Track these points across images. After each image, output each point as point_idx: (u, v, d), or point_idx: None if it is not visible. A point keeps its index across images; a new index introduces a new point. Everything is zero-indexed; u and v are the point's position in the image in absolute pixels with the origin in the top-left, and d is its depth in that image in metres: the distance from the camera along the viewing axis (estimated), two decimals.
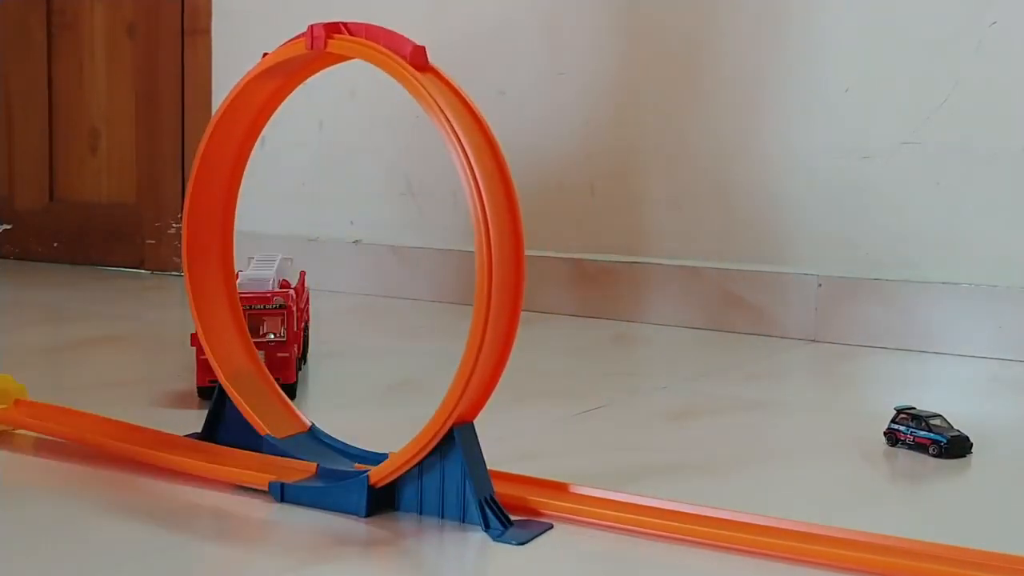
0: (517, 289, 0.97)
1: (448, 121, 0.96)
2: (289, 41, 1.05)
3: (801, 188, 1.96)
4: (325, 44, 1.01)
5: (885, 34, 1.88)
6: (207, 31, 2.57)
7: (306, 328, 1.64)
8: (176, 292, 2.46)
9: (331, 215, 2.43)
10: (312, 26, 1.02)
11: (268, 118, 1.13)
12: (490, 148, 0.98)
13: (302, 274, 1.66)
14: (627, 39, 2.10)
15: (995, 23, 1.79)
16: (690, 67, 2.04)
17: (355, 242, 2.40)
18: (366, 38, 1.00)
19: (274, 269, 1.52)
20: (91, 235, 2.75)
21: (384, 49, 0.99)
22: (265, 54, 1.07)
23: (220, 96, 2.55)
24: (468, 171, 0.95)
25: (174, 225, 2.65)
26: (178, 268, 2.65)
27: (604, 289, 2.12)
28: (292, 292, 1.48)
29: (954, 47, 1.82)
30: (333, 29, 1.01)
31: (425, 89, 0.97)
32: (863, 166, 1.90)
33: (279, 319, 1.42)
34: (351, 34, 1.01)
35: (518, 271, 0.97)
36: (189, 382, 1.47)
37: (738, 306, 2.00)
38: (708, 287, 2.03)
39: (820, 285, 1.94)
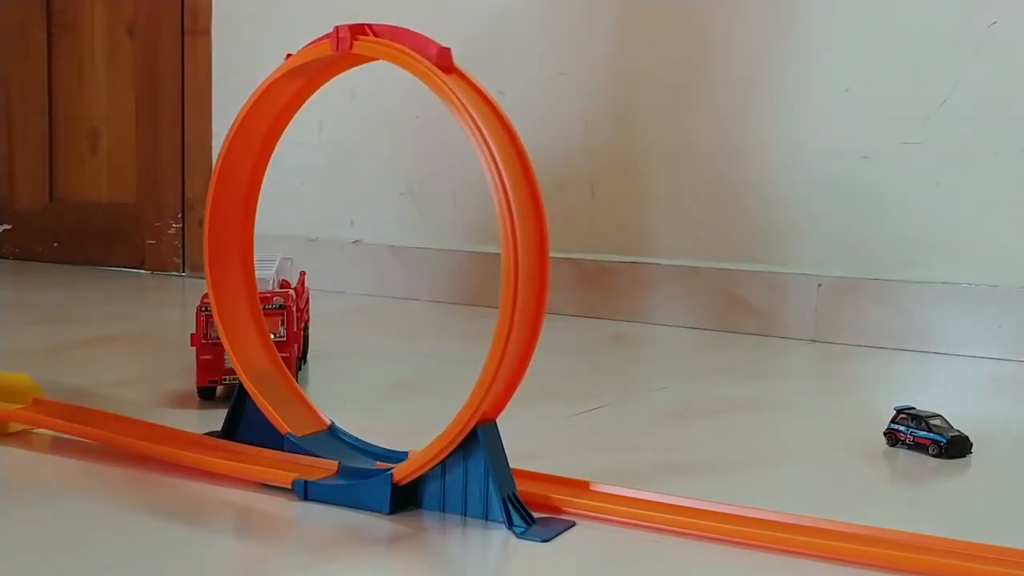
0: (541, 289, 0.98)
1: (474, 122, 0.96)
2: (313, 42, 1.05)
3: (801, 188, 1.96)
4: (351, 45, 1.01)
5: (885, 34, 1.88)
6: (207, 31, 2.57)
7: (306, 328, 1.64)
8: (176, 292, 2.46)
9: (331, 215, 2.43)
10: (338, 27, 1.02)
11: (289, 119, 1.14)
12: (515, 148, 0.99)
13: (302, 274, 1.66)
14: (627, 39, 2.10)
15: (995, 23, 1.79)
16: (690, 67, 2.04)
17: (355, 242, 2.40)
18: (391, 39, 1.01)
19: (274, 269, 1.52)
20: (91, 235, 2.75)
21: (410, 51, 0.99)
22: (288, 55, 1.07)
23: (220, 96, 2.56)
24: (494, 171, 0.95)
25: (174, 225, 2.65)
26: (178, 268, 2.66)
27: (604, 289, 2.12)
28: (292, 292, 1.48)
29: (954, 47, 1.82)
30: (358, 31, 1.02)
31: (451, 90, 0.97)
32: (863, 166, 1.90)
33: (279, 319, 1.42)
34: (376, 36, 1.01)
35: (543, 270, 0.98)
36: (189, 382, 1.47)
37: (738, 306, 2.00)
38: (708, 287, 2.03)
39: (820, 285, 1.94)
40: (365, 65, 1.08)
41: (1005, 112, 1.80)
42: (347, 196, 2.41)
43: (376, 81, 2.23)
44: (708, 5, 2.02)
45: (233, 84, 2.53)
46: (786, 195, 1.97)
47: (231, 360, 1.15)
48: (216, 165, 1.14)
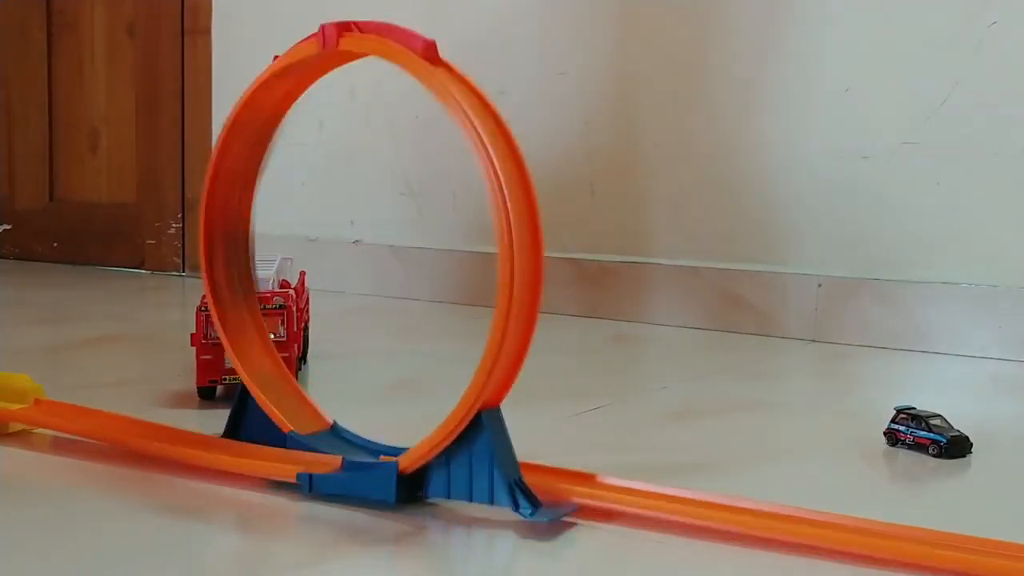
0: (536, 273, 0.98)
1: (465, 113, 0.97)
2: (300, 42, 1.06)
3: (801, 188, 1.96)
4: (337, 43, 1.02)
5: (885, 34, 1.88)
6: (207, 31, 2.57)
7: (306, 328, 1.63)
8: (176, 292, 2.46)
9: (331, 215, 2.43)
10: (323, 26, 1.02)
11: (280, 121, 1.14)
12: (505, 138, 0.99)
13: (302, 274, 1.66)
14: (627, 39, 2.10)
15: (995, 23, 1.79)
16: (690, 67, 2.04)
17: (355, 242, 2.40)
18: (377, 35, 1.01)
19: (274, 269, 1.52)
20: (91, 235, 2.75)
21: (397, 45, 1.00)
22: (276, 56, 1.07)
23: (220, 96, 2.56)
24: (487, 159, 0.96)
25: (174, 225, 2.65)
26: (178, 268, 2.65)
27: (604, 289, 2.12)
28: (292, 292, 1.48)
29: (954, 47, 1.82)
30: (344, 28, 1.02)
31: (441, 83, 0.97)
32: (863, 166, 1.90)
33: (279, 319, 1.42)
34: (362, 32, 1.02)
35: (537, 255, 0.97)
36: (189, 382, 1.47)
37: (738, 306, 2.00)
38: (708, 287, 2.03)
39: (820, 285, 1.94)
40: (365, 65, 1.08)
41: (1005, 112, 1.80)
42: (347, 196, 2.41)
43: (376, 81, 2.23)
44: (708, 5, 2.02)
45: (233, 84, 2.53)
46: (786, 195, 1.97)
47: (231, 360, 1.15)
48: (207, 174, 1.13)
